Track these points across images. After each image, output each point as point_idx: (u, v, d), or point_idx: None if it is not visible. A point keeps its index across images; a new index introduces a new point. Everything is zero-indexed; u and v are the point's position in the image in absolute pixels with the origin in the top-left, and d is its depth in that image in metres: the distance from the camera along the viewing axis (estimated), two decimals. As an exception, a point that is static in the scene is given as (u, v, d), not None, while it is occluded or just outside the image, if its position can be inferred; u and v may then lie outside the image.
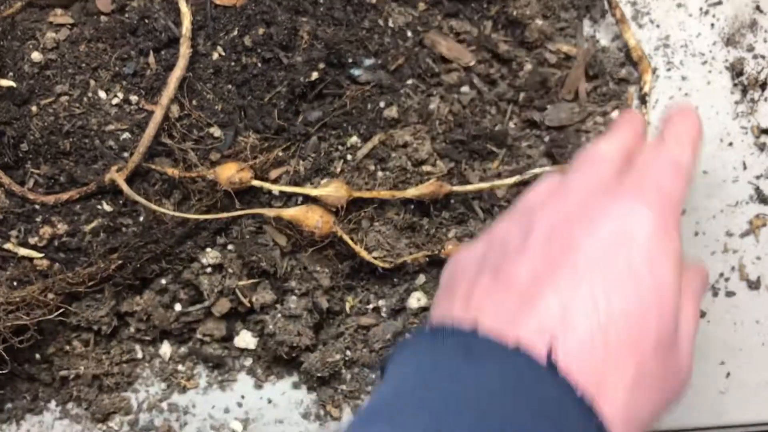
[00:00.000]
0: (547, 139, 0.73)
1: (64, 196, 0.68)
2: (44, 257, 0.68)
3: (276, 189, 0.65)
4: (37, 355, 0.70)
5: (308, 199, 0.66)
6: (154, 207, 0.63)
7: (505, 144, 0.72)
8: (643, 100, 0.74)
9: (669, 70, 0.75)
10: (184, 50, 0.65)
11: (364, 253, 0.66)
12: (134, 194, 0.63)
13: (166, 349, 0.73)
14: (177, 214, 0.64)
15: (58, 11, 0.70)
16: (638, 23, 0.76)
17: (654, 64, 0.75)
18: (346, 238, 0.66)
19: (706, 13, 0.76)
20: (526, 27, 0.73)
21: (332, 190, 0.64)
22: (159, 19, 0.68)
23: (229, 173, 0.63)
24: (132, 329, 0.72)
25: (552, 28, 0.74)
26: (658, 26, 0.76)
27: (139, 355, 0.73)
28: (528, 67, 0.73)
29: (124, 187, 0.63)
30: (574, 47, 0.74)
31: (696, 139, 0.55)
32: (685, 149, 0.54)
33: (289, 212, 0.65)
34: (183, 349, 0.73)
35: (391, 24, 0.71)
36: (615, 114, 0.74)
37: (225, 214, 0.64)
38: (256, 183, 0.64)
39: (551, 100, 0.73)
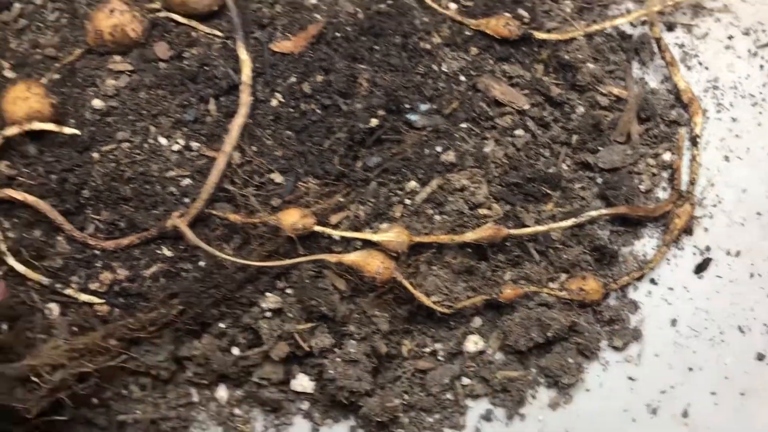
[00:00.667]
0: (599, 180, 0.74)
1: (124, 242, 0.68)
2: (105, 303, 0.68)
3: (337, 234, 0.65)
4: (95, 400, 0.70)
5: (368, 244, 0.66)
6: (219, 254, 0.64)
7: (559, 186, 0.72)
8: (694, 141, 0.74)
9: (719, 111, 0.76)
10: (246, 97, 0.66)
11: (424, 299, 0.66)
12: (198, 241, 0.64)
13: (222, 392, 0.72)
14: (243, 261, 0.64)
15: (117, 58, 0.70)
16: (687, 65, 0.77)
17: (704, 106, 0.75)
18: (406, 284, 0.66)
19: (755, 54, 0.77)
20: (578, 70, 0.73)
21: (393, 235, 0.65)
22: (219, 67, 0.69)
23: (293, 219, 0.64)
24: (189, 373, 0.71)
25: (602, 71, 0.75)
26: (707, 68, 0.76)
27: (195, 399, 0.73)
28: (580, 109, 0.73)
29: (188, 233, 0.64)
30: (624, 90, 0.75)
31: None
32: None
33: (350, 258, 0.65)
34: (239, 393, 0.73)
35: (445, 69, 0.72)
36: (667, 156, 0.75)
37: (289, 261, 0.64)
38: (318, 229, 0.65)
39: (604, 143, 0.74)
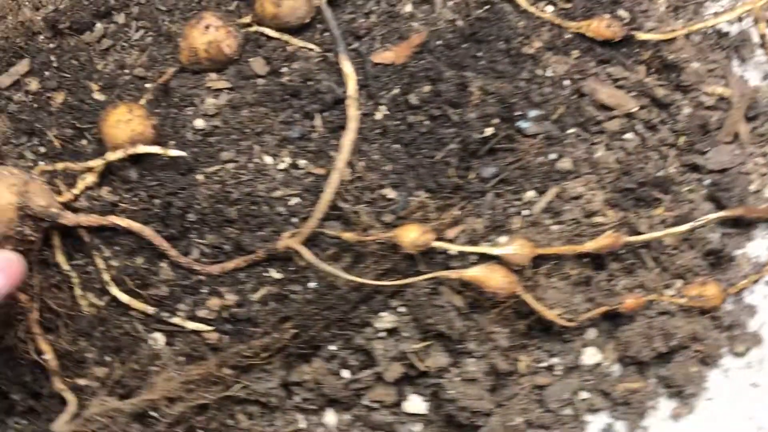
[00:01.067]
0: (707, 182, 0.72)
1: (230, 265, 0.66)
2: (213, 330, 0.66)
3: (457, 249, 0.63)
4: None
5: (488, 258, 0.64)
6: (344, 274, 0.61)
7: (668, 190, 0.70)
8: (803, 138, 0.73)
9: (825, 106, 0.74)
10: (353, 112, 0.63)
11: (548, 313, 0.64)
12: (318, 261, 0.61)
13: (331, 417, 0.70)
14: (370, 282, 0.62)
15: (213, 75, 0.68)
16: (789, 60, 0.75)
17: (810, 101, 0.73)
18: (529, 298, 0.63)
19: None
20: (682, 70, 0.71)
21: (516, 248, 0.62)
22: (322, 81, 0.66)
23: (413, 236, 0.61)
24: (298, 398, 0.69)
25: (704, 70, 0.73)
26: (809, 63, 0.75)
27: (303, 425, 0.70)
28: (686, 110, 0.72)
29: (307, 254, 0.61)
30: (727, 88, 0.73)
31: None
32: None
33: (471, 273, 0.63)
34: (348, 417, 0.70)
35: (549, 73, 0.69)
36: (775, 154, 0.73)
37: (411, 279, 0.62)
38: (437, 244, 0.62)
39: (712, 143, 0.72)
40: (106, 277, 0.64)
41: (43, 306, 0.64)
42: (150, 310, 0.65)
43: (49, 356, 0.63)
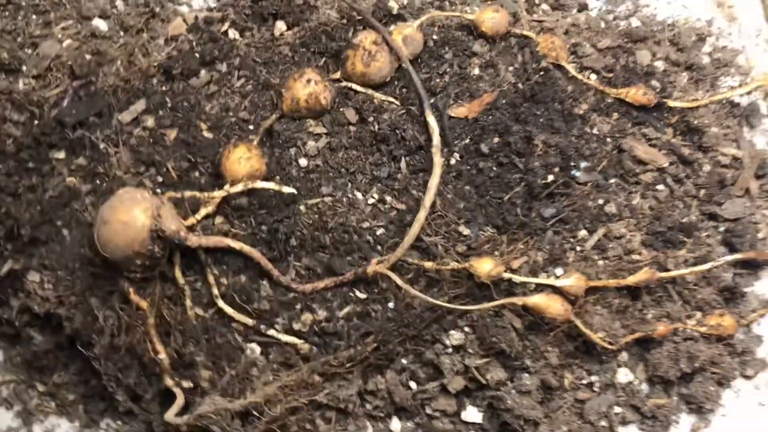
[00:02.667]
0: (722, 229, 0.84)
1: (321, 285, 0.75)
2: (305, 342, 0.75)
3: (523, 281, 0.74)
4: (283, 434, 0.76)
5: (546, 288, 0.75)
6: (429, 299, 0.71)
7: (691, 234, 0.82)
8: (801, 195, 0.86)
9: (819, 169, 0.87)
10: (438, 159, 0.74)
11: (595, 337, 0.75)
12: (407, 285, 0.71)
13: (396, 425, 0.79)
14: (447, 305, 0.71)
15: (311, 122, 0.79)
16: (790, 129, 0.88)
17: (807, 164, 0.87)
18: (581, 324, 0.74)
19: None
20: (704, 133, 0.84)
21: (573, 280, 0.74)
22: (407, 130, 0.77)
23: (487, 268, 0.72)
24: (369, 406, 0.78)
25: (721, 134, 0.86)
26: (807, 131, 0.88)
27: (370, 431, 0.79)
28: (707, 167, 0.84)
29: (396, 278, 0.71)
30: (739, 150, 0.86)
31: None
32: None
33: (534, 300, 0.74)
34: (411, 425, 0.79)
35: (595, 131, 0.82)
36: (780, 207, 0.85)
37: (486, 305, 0.72)
38: (506, 276, 0.73)
39: (726, 196, 0.84)
40: (215, 291, 0.74)
41: (159, 313, 0.73)
42: (250, 322, 0.74)
43: (163, 356, 0.71)
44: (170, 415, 0.71)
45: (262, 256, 0.73)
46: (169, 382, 0.72)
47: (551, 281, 0.74)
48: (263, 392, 0.71)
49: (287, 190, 0.72)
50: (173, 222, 0.69)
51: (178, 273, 0.73)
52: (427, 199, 0.73)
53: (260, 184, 0.71)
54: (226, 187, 0.73)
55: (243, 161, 0.73)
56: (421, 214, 0.73)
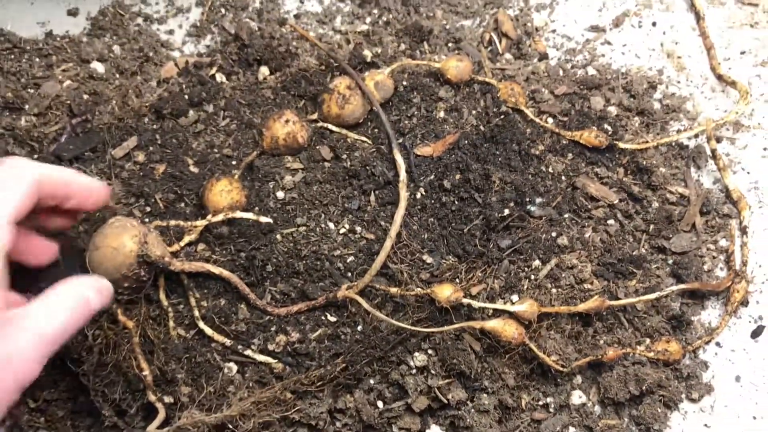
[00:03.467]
0: (671, 261, 0.91)
1: (294, 309, 0.81)
2: (279, 361, 0.81)
3: (480, 306, 0.80)
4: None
5: (503, 313, 0.81)
6: (393, 321, 0.77)
7: (641, 266, 0.89)
8: (743, 231, 0.92)
9: (761, 207, 0.94)
10: (403, 193, 0.81)
11: (547, 360, 0.81)
12: (374, 310, 0.77)
13: (364, 441, 0.84)
14: (413, 328, 0.77)
15: (289, 158, 0.86)
16: (732, 170, 0.96)
17: (749, 203, 0.94)
18: (533, 347, 0.80)
19: (785, 162, 0.96)
20: (652, 173, 0.91)
21: (527, 306, 0.80)
22: (377, 166, 0.84)
23: (447, 293, 0.78)
24: (339, 424, 0.83)
25: (669, 174, 0.93)
26: (748, 173, 0.96)
27: (340, 448, 0.84)
28: (655, 204, 0.91)
29: (363, 302, 0.78)
30: (686, 189, 0.93)
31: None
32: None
33: (490, 324, 0.80)
34: (377, 442, 0.85)
35: (551, 170, 0.89)
36: (723, 242, 0.92)
37: (446, 328, 0.78)
38: (465, 301, 0.79)
39: (674, 231, 0.91)
40: (196, 313, 0.80)
41: (143, 333, 0.78)
42: (228, 342, 0.80)
43: (147, 373, 0.77)
44: (152, 429, 0.76)
45: (240, 281, 0.80)
46: (152, 397, 0.78)
47: (506, 307, 0.80)
48: (238, 407, 0.76)
49: (264, 219, 0.78)
50: (158, 248, 0.75)
51: (162, 295, 0.79)
52: (393, 230, 0.80)
53: (239, 215, 0.78)
54: (209, 216, 0.79)
55: (224, 193, 0.79)
56: (387, 244, 0.80)
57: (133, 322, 0.77)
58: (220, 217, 0.78)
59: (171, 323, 0.80)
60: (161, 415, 0.77)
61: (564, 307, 0.82)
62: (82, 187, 0.71)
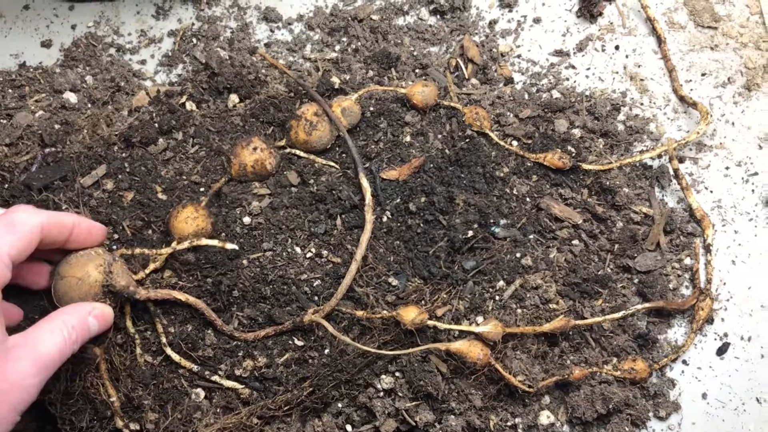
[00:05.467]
0: (636, 280, 0.92)
1: (261, 333, 0.82)
2: (245, 387, 0.81)
3: (446, 327, 0.81)
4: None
5: (468, 334, 0.82)
6: (358, 345, 0.78)
7: (606, 285, 0.90)
8: (707, 249, 0.94)
9: (724, 225, 0.96)
10: (369, 216, 0.82)
11: (513, 380, 0.82)
12: (339, 333, 0.78)
13: (334, 465, 0.84)
14: (378, 351, 0.78)
15: (257, 184, 0.87)
16: (696, 189, 0.97)
17: (712, 221, 0.95)
18: (499, 367, 0.81)
19: (747, 181, 0.98)
20: (616, 193, 0.93)
21: (491, 327, 0.81)
22: (343, 191, 0.86)
23: (412, 315, 0.79)
24: (309, 448, 0.84)
25: (633, 194, 0.94)
26: (711, 192, 0.97)
27: (310, 473, 0.84)
28: (619, 224, 0.92)
29: (329, 327, 0.78)
30: (650, 209, 0.95)
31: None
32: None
33: (456, 346, 0.80)
34: (348, 466, 0.85)
35: (515, 192, 0.90)
36: (687, 260, 0.93)
37: (412, 350, 0.79)
38: (430, 323, 0.80)
39: (639, 250, 0.92)
40: (163, 339, 0.80)
41: (110, 360, 0.79)
42: (195, 368, 0.81)
43: (114, 398, 0.77)
44: None
45: (207, 307, 0.80)
46: (119, 423, 0.78)
47: (471, 328, 0.81)
48: (204, 432, 0.77)
49: (230, 246, 0.79)
50: (124, 278, 0.76)
51: (129, 323, 0.80)
52: (359, 253, 0.81)
53: (204, 242, 0.79)
54: (173, 244, 0.80)
55: (190, 220, 0.80)
56: (353, 267, 0.80)
57: (100, 349, 0.78)
58: (185, 245, 0.79)
59: (138, 350, 0.80)
60: None
61: (529, 327, 0.83)
62: (83, 230, 0.76)
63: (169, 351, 0.80)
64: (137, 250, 0.79)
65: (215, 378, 0.81)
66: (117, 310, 0.78)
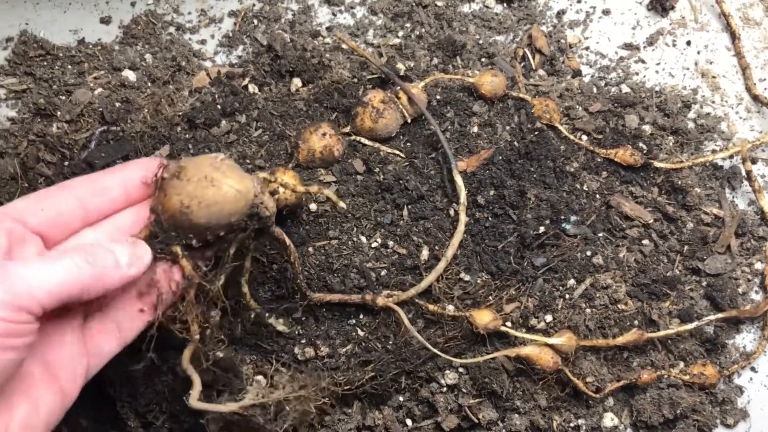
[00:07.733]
0: (704, 283, 0.89)
1: (327, 297, 0.79)
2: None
3: (519, 336, 0.78)
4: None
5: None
6: (430, 348, 0.75)
7: (675, 287, 0.87)
8: (779, 254, 0.91)
9: (796, 230, 0.93)
10: (463, 216, 0.80)
11: (582, 386, 0.80)
12: (410, 325, 0.75)
13: (392, 460, 0.83)
14: (449, 357, 0.76)
15: (322, 171, 0.85)
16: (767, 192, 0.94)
17: (784, 226, 0.92)
18: (569, 373, 0.79)
19: (821, 185, 0.95)
20: (687, 193, 0.90)
21: (565, 340, 0.79)
22: (410, 181, 0.84)
23: (486, 320, 0.77)
24: (367, 442, 0.82)
25: (703, 195, 0.92)
26: (784, 195, 0.94)
27: (367, 466, 0.83)
28: (690, 225, 0.90)
29: (403, 315, 0.76)
30: (721, 210, 0.92)
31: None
32: None
33: (526, 351, 0.78)
34: (406, 460, 0.83)
35: (585, 188, 0.88)
36: (758, 265, 0.91)
37: (482, 357, 0.77)
38: (503, 329, 0.78)
39: (708, 252, 0.90)
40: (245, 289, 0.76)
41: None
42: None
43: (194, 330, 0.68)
44: (194, 401, 0.65)
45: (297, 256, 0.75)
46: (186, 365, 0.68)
47: (545, 339, 0.78)
48: (289, 389, 0.72)
49: (342, 205, 0.73)
50: (271, 206, 0.66)
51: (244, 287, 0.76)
52: (449, 252, 0.79)
53: (326, 192, 0.71)
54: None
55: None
56: (441, 264, 0.78)
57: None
58: (314, 189, 0.72)
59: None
60: (197, 383, 0.66)
61: (602, 341, 0.81)
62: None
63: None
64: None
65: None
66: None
